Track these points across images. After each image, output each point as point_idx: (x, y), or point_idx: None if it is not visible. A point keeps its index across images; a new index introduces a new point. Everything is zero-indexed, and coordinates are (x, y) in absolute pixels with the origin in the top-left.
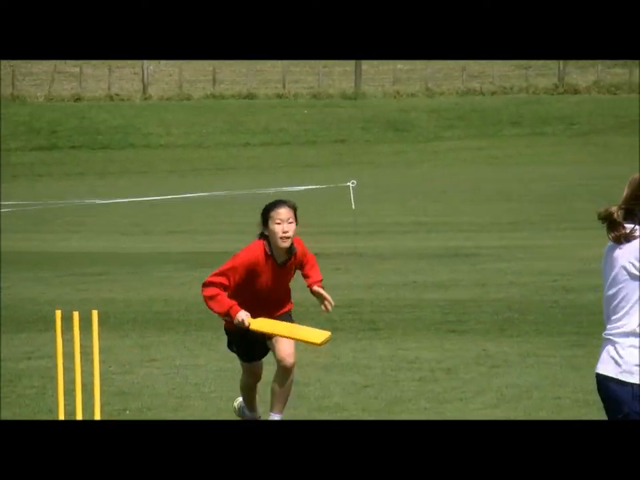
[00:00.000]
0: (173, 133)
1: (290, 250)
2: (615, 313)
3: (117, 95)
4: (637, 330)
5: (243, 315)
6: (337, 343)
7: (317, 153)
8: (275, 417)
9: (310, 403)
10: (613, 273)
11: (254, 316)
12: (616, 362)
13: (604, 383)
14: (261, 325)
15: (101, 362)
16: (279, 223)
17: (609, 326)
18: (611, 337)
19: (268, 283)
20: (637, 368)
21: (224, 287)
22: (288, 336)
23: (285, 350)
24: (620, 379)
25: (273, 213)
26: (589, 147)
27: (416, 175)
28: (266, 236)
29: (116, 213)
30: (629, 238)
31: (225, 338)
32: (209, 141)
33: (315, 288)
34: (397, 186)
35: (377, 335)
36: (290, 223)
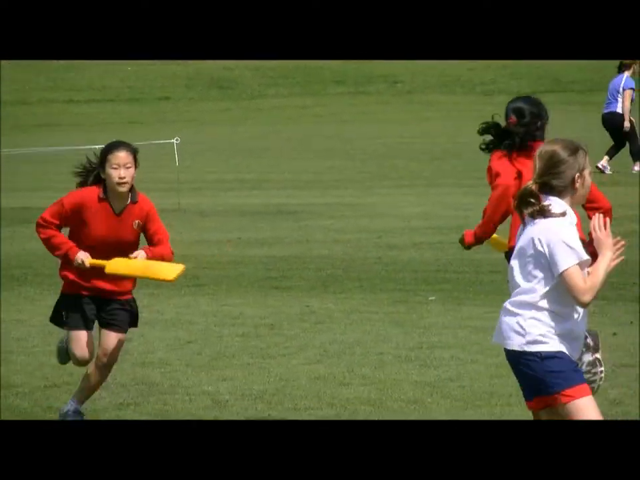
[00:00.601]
0: None
1: (130, 197)
2: (519, 285)
3: None
4: (539, 304)
5: (82, 256)
6: (160, 299)
7: (140, 110)
8: (69, 406)
9: (134, 359)
10: (522, 245)
11: (92, 280)
12: (519, 334)
13: (512, 357)
14: (116, 266)
15: None
16: (115, 168)
17: (512, 298)
18: (512, 309)
19: (103, 233)
20: (541, 337)
21: (56, 227)
22: (141, 275)
23: (109, 346)
24: (525, 350)
25: (110, 156)
26: (412, 106)
27: (240, 133)
28: (103, 179)
29: None
30: (545, 214)
31: (52, 299)
32: (31, 97)
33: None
34: (220, 143)
35: (200, 290)
36: (128, 167)
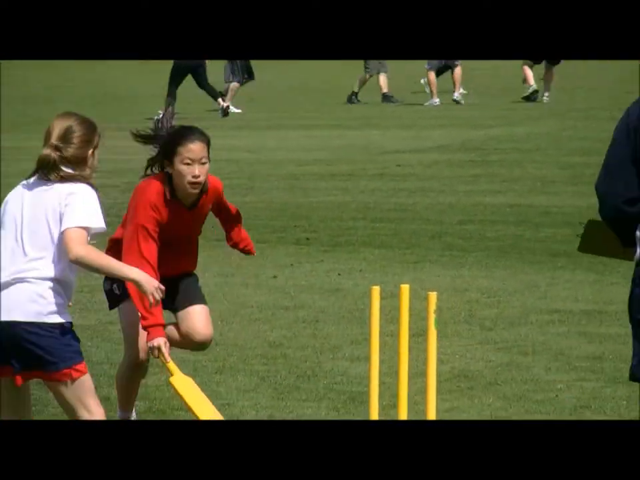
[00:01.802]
0: None
1: (202, 190)
2: (27, 253)
3: None
4: (60, 277)
5: (162, 342)
6: None
7: None
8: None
9: None
10: (31, 210)
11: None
12: (38, 303)
13: (17, 331)
14: (181, 384)
15: None
16: (188, 163)
17: (21, 266)
18: (27, 278)
19: (174, 232)
20: (61, 307)
21: (153, 259)
22: (194, 411)
23: (201, 320)
24: (46, 321)
25: (181, 149)
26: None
27: None
28: (166, 172)
29: None
30: (68, 179)
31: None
32: None
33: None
34: None
35: None
36: (203, 163)
